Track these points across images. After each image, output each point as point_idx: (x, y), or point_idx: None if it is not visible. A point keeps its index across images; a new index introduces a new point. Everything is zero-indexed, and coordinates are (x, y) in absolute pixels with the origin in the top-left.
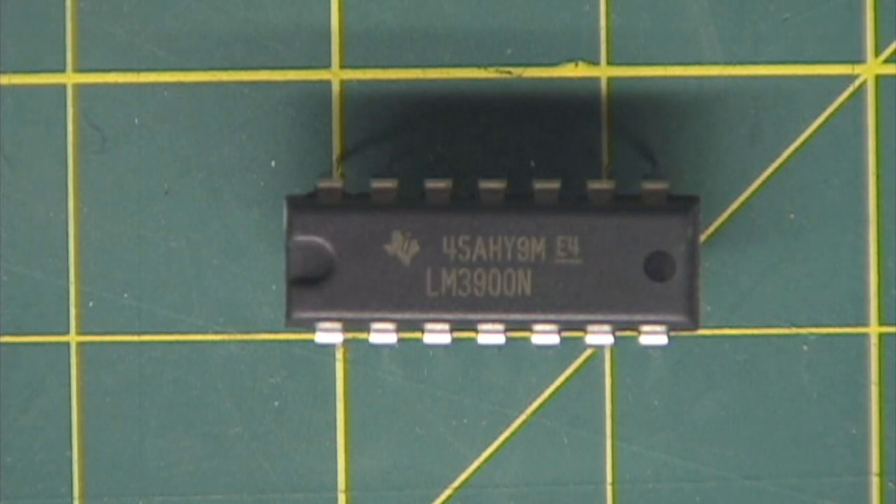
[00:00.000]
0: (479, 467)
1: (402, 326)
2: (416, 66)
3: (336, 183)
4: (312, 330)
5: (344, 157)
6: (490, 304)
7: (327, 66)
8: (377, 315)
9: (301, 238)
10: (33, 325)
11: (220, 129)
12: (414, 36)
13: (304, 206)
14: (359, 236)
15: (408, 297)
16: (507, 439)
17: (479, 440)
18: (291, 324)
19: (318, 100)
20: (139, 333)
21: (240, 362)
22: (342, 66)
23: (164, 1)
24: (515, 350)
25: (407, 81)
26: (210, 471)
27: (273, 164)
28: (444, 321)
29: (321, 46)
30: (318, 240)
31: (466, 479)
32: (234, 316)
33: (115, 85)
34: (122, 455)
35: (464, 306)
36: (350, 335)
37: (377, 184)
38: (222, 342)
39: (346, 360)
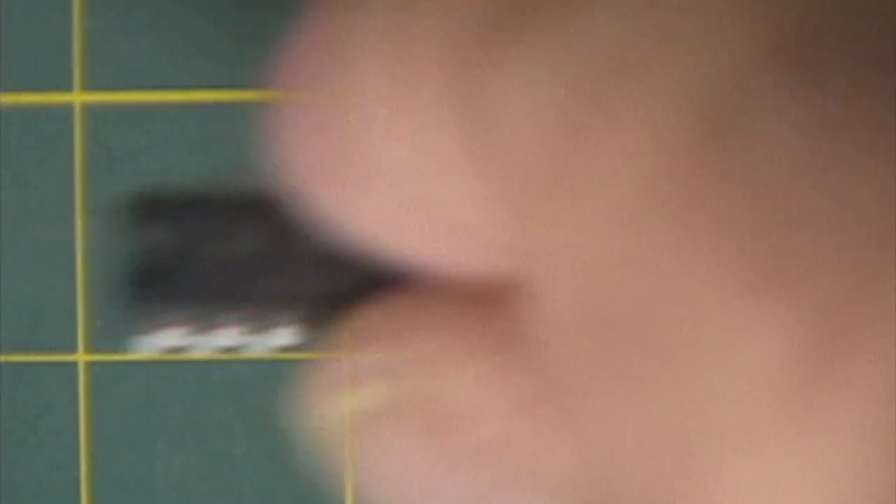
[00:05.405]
0: None
1: None
2: None
3: None
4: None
5: None
6: None
7: None
8: None
9: None
10: (41, 343)
11: (230, 149)
12: None
13: None
14: None
15: None
16: None
17: None
18: None
19: None
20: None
21: (248, 382)
22: None
23: (173, 20)
24: None
25: None
26: (219, 490)
27: None
28: None
29: None
30: None
31: None
32: None
33: (124, 104)
34: (131, 475)
35: None
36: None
37: None
38: (231, 362)
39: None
